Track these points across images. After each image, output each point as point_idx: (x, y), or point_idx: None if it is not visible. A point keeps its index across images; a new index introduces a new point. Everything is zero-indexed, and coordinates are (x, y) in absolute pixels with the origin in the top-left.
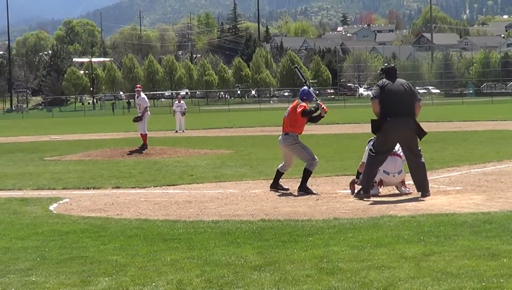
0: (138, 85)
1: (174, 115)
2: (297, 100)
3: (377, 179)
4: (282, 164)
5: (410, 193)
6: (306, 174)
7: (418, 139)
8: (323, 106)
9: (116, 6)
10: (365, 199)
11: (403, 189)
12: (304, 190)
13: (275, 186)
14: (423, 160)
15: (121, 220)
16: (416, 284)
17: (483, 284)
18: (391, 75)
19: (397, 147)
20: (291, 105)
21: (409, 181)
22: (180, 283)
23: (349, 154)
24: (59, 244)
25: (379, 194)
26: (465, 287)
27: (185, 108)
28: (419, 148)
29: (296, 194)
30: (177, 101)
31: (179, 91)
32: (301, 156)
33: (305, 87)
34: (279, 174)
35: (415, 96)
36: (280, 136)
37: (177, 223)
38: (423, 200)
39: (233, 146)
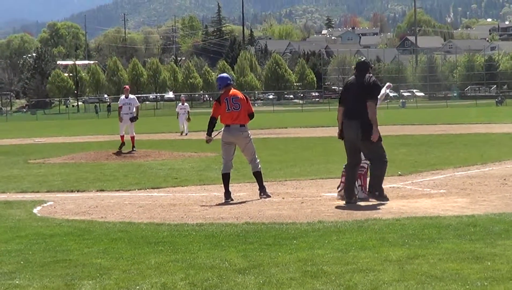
0: (126, 86)
1: (177, 117)
2: (235, 90)
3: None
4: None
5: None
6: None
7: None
8: None
9: (100, 9)
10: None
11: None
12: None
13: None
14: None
15: (105, 223)
16: (401, 287)
17: (467, 287)
18: (358, 70)
19: None
20: (240, 96)
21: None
22: (164, 286)
23: (334, 157)
24: (43, 247)
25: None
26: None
27: (188, 111)
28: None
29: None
30: (180, 103)
31: (163, 94)
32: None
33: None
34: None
35: (368, 95)
36: (234, 129)
37: (161, 226)
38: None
39: (217, 149)
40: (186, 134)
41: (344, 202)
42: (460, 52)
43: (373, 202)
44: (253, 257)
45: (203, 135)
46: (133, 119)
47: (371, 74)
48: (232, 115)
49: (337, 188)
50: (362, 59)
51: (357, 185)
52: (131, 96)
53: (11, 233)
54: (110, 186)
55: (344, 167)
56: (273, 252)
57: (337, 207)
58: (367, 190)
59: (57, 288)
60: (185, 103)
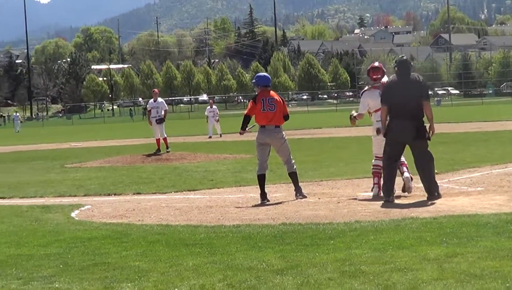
0: (155, 89)
1: (207, 121)
2: (272, 92)
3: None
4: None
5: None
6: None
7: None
8: None
9: (133, 13)
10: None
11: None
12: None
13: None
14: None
15: (142, 225)
16: (439, 286)
17: (507, 285)
18: (401, 69)
19: None
20: (276, 98)
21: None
22: (203, 288)
23: (369, 156)
24: (82, 250)
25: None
26: (489, 288)
27: (217, 113)
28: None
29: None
30: (209, 107)
31: (197, 97)
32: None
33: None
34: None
35: (423, 94)
36: (269, 130)
37: (198, 228)
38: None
39: (252, 150)
40: (220, 135)
41: (380, 201)
42: (494, 48)
43: (409, 200)
44: (290, 258)
45: (237, 137)
46: (158, 121)
47: (415, 73)
48: (267, 116)
49: (371, 190)
50: (404, 58)
51: (375, 181)
52: (159, 99)
53: (50, 237)
54: (146, 189)
55: (374, 165)
56: (311, 252)
57: (374, 207)
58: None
59: None
60: (214, 106)
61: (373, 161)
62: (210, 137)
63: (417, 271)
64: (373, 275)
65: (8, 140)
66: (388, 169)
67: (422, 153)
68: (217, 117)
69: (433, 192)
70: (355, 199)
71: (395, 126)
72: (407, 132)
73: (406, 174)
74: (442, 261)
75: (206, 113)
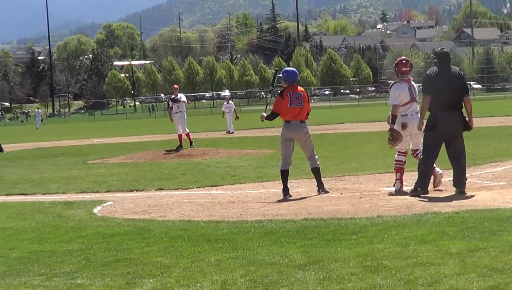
0: (175, 85)
1: (223, 116)
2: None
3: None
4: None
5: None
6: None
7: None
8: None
9: (155, 9)
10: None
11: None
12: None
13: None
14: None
15: (164, 221)
16: (462, 281)
17: None
18: (441, 61)
19: None
20: (303, 94)
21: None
22: (225, 283)
23: (392, 151)
24: (104, 246)
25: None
26: (511, 282)
27: (234, 109)
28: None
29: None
30: (225, 102)
31: (219, 92)
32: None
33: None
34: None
35: (465, 88)
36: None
37: (220, 224)
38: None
39: (275, 145)
40: (232, 132)
41: (403, 196)
42: None
43: (432, 195)
44: (312, 253)
45: (259, 132)
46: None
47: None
48: (294, 111)
49: (394, 185)
50: (444, 50)
51: (397, 177)
52: (179, 94)
53: (72, 233)
54: (168, 185)
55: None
56: (333, 247)
57: (396, 201)
58: (454, 185)
59: (119, 287)
60: (230, 102)
61: (395, 155)
62: (228, 132)
63: (439, 266)
64: (395, 270)
65: (31, 137)
66: (426, 164)
67: (460, 147)
68: (235, 114)
69: (463, 185)
70: (379, 193)
71: (442, 118)
72: (456, 124)
73: (438, 169)
74: (464, 256)
75: (222, 109)
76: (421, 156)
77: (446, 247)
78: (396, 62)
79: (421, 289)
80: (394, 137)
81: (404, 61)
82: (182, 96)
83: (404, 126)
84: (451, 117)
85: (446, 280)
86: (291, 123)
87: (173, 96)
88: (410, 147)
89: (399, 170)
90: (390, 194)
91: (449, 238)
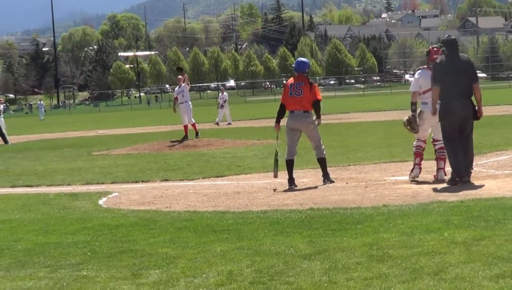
0: (180, 76)
1: (218, 107)
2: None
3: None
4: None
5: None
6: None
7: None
8: None
9: None
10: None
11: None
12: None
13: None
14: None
15: (170, 212)
16: (467, 269)
17: None
18: (450, 48)
19: None
20: (304, 82)
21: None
22: (231, 274)
23: (397, 141)
24: (109, 238)
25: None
26: None
27: (224, 100)
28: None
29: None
30: (220, 93)
31: (225, 83)
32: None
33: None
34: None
35: (474, 76)
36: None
37: (226, 214)
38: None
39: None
40: (230, 123)
41: (409, 185)
42: None
43: (438, 184)
44: (318, 243)
45: (264, 122)
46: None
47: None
48: (294, 100)
49: (411, 171)
50: (452, 37)
51: (416, 162)
52: (183, 84)
53: (78, 225)
54: (174, 176)
55: (416, 146)
56: (338, 237)
57: (401, 191)
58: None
59: (124, 278)
60: (224, 93)
61: (414, 142)
62: (217, 124)
63: (444, 255)
64: (401, 259)
65: (35, 129)
66: (451, 150)
67: (468, 134)
68: (221, 104)
69: (469, 171)
70: (384, 182)
71: (454, 105)
72: (466, 109)
73: (442, 173)
74: (469, 244)
75: (218, 100)
76: (444, 154)
77: (451, 236)
78: (427, 50)
79: (427, 278)
80: (412, 127)
81: (435, 49)
82: (186, 87)
83: (421, 113)
84: (462, 103)
85: (451, 269)
86: (295, 113)
87: (177, 87)
88: (432, 136)
89: (419, 154)
90: (413, 181)
91: (454, 227)
